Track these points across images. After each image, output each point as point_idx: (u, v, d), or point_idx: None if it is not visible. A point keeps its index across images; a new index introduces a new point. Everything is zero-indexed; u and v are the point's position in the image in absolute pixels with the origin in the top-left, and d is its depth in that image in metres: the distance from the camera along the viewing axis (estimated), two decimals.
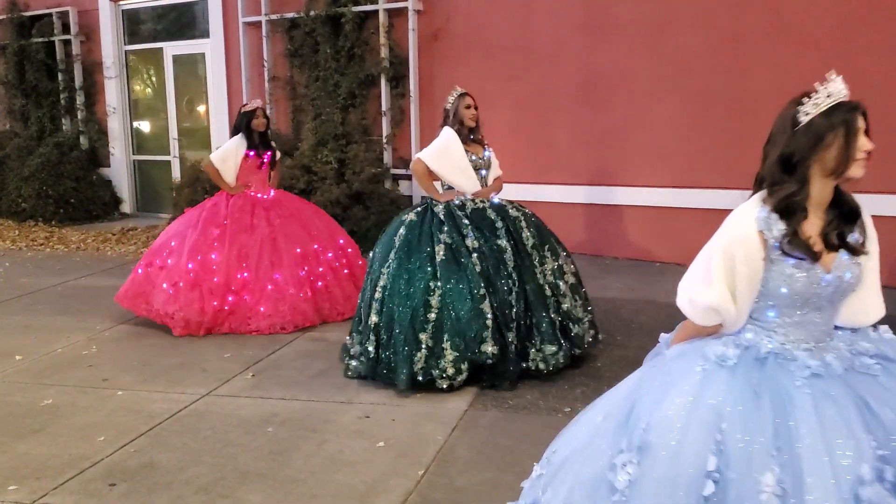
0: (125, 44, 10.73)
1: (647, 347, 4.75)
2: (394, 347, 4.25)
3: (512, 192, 5.09)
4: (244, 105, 6.04)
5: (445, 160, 4.68)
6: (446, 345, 4.17)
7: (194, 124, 10.57)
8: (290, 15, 8.90)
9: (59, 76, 10.94)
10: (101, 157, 10.99)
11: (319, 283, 5.62)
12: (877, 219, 2.11)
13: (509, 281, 4.30)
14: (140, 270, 5.65)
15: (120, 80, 10.70)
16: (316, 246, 5.73)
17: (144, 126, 11.05)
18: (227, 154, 5.80)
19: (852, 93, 1.95)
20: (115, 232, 9.57)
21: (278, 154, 6.12)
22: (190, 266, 5.40)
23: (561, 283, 4.46)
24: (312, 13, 8.66)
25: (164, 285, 5.43)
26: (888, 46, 6.08)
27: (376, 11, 8.46)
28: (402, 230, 4.52)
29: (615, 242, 7.51)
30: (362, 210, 7.83)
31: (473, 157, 4.72)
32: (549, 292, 4.40)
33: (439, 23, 8.25)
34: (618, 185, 7.45)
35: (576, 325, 4.46)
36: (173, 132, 10.58)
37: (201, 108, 10.42)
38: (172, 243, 5.62)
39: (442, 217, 4.50)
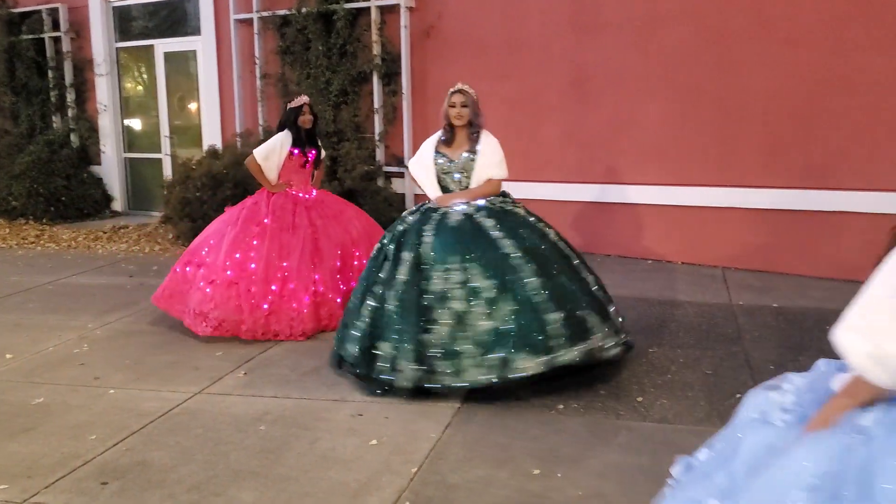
0: (116, 41, 10.66)
1: (640, 345, 4.82)
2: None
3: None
4: (290, 101, 5.84)
5: (418, 164, 4.70)
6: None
7: (186, 122, 10.53)
8: (282, 12, 8.87)
9: (50, 73, 10.86)
10: (91, 155, 10.93)
11: (343, 288, 5.49)
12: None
13: (392, 292, 4.19)
14: (178, 269, 5.48)
15: (111, 77, 10.64)
16: (354, 250, 5.60)
17: (135, 124, 11.00)
18: (272, 150, 5.59)
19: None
20: (107, 230, 9.53)
21: (324, 152, 5.95)
22: (227, 264, 5.21)
23: (441, 310, 4.04)
24: (304, 10, 8.63)
25: (201, 283, 5.21)
26: (878, 44, 6.10)
27: (368, 8, 8.45)
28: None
29: (606, 240, 7.53)
30: None
31: (441, 161, 4.56)
32: (434, 315, 4.04)
33: (431, 20, 8.24)
34: (608, 182, 7.46)
35: (448, 358, 3.98)
36: (165, 130, 10.53)
37: (193, 106, 10.39)
38: (211, 241, 5.45)
39: (399, 220, 4.58)
